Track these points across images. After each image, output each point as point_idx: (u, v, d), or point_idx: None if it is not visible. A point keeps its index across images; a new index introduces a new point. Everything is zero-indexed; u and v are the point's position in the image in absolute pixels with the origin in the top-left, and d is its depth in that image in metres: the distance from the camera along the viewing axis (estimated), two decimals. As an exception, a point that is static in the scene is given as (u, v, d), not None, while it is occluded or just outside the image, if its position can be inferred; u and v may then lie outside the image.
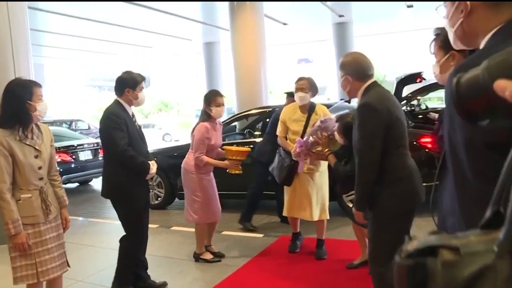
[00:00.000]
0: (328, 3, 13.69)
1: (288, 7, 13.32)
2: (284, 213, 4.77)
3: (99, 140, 10.56)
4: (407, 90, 7.21)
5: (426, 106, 9.50)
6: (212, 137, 4.59)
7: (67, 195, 3.40)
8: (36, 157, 3.04)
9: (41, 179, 3.10)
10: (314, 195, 4.51)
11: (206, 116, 4.63)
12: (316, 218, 4.53)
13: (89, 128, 19.36)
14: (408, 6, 13.94)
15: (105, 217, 7.05)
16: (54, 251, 3.15)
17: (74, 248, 5.38)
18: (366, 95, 2.75)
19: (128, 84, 3.84)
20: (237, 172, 4.55)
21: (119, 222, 3.95)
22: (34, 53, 7.06)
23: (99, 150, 9.76)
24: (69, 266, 3.31)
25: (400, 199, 2.69)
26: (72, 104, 35.92)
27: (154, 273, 4.22)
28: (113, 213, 6.71)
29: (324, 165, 4.55)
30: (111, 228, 6.36)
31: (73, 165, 9.30)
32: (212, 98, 4.62)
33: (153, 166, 3.90)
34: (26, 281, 3.04)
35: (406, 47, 29.37)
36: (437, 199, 1.98)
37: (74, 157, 9.39)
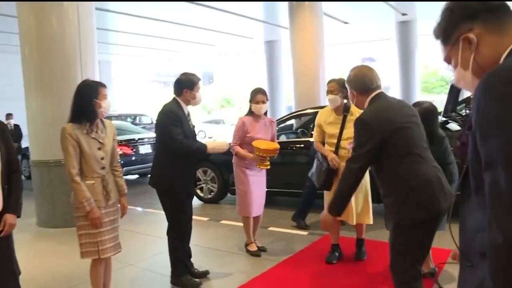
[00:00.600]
0: (392, 1, 13.45)
1: (349, 5, 13.23)
2: None
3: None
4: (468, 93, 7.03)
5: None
6: (251, 130, 4.78)
7: (127, 186, 3.70)
8: (99, 149, 3.42)
9: (103, 168, 3.46)
10: (354, 198, 4.32)
11: (249, 111, 4.88)
12: (355, 222, 4.47)
13: (152, 122, 20.08)
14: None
15: (161, 208, 7.34)
16: (111, 233, 3.51)
17: (129, 235, 5.75)
18: (365, 109, 2.86)
19: (186, 85, 4.11)
20: (262, 167, 4.73)
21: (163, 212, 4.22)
22: (101, 51, 7.53)
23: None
24: (120, 248, 3.62)
25: (412, 208, 2.64)
26: (137, 99, 37.24)
27: (200, 263, 4.45)
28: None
29: None
30: (165, 219, 6.66)
31: (133, 158, 9.78)
32: (253, 95, 4.85)
33: (213, 142, 4.26)
34: (90, 256, 3.45)
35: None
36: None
37: (134, 150, 9.88)
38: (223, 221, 6.49)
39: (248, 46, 21.17)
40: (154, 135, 11.04)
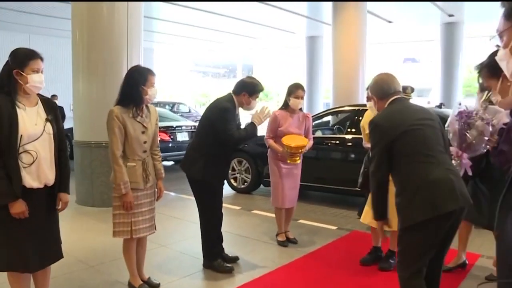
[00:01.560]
0: (439, 2, 13.20)
1: (394, 4, 13.06)
2: (362, 219, 4.49)
3: (196, 124, 11.26)
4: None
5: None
6: (283, 124, 4.86)
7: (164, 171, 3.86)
8: (143, 132, 3.57)
9: (144, 151, 3.62)
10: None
11: (284, 105, 4.95)
12: (393, 228, 4.40)
13: (189, 111, 20.46)
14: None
15: (190, 195, 7.56)
16: (146, 214, 3.68)
17: (163, 218, 5.94)
18: (379, 112, 3.01)
19: (247, 89, 4.21)
20: (291, 162, 4.85)
21: None
22: (145, 38, 7.73)
23: (196, 132, 10.40)
24: (155, 229, 3.80)
25: (417, 208, 2.65)
26: (176, 87, 37.75)
27: (229, 249, 4.58)
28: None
29: None
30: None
31: (170, 145, 10.02)
32: (293, 90, 4.91)
33: (256, 116, 4.26)
34: (122, 236, 3.61)
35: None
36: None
37: (172, 137, 10.12)
38: (254, 211, 6.60)
39: (290, 40, 21.16)
40: (191, 123, 11.36)
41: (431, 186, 2.65)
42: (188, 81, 43.01)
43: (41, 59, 2.94)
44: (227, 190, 7.87)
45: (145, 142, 3.60)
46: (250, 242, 5.17)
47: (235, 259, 4.46)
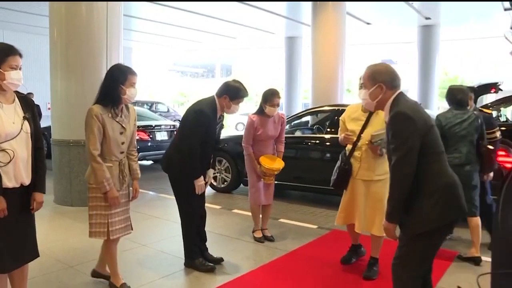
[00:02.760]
0: (415, 3, 13.40)
1: (372, 6, 13.21)
2: (336, 221, 4.33)
3: (176, 123, 11.23)
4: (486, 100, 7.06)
5: (507, 118, 9.16)
6: (260, 129, 4.91)
7: (141, 171, 3.84)
8: (121, 133, 3.51)
9: (122, 152, 3.57)
10: (362, 205, 4.06)
11: (260, 111, 4.99)
12: (359, 230, 4.14)
13: (168, 111, 20.37)
14: (506, 9, 12.74)
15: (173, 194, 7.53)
16: (121, 215, 3.63)
17: (142, 217, 5.90)
18: (397, 105, 2.65)
19: (229, 92, 4.19)
20: (266, 181, 4.99)
21: None
22: (124, 37, 7.65)
23: (174, 132, 10.37)
24: (132, 229, 3.74)
25: (442, 210, 2.53)
26: (154, 87, 37.53)
27: (211, 248, 4.56)
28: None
29: (387, 173, 3.96)
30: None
31: (149, 144, 9.97)
32: (269, 97, 4.93)
33: (207, 177, 4.32)
34: (98, 237, 3.55)
35: (498, 53, 27.78)
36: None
37: (151, 136, 10.07)
38: (235, 210, 6.60)
39: (269, 41, 21.21)
40: (170, 122, 11.30)
41: (453, 186, 2.60)
42: (166, 81, 42.78)
43: (20, 55, 2.87)
44: (207, 189, 7.85)
45: (123, 143, 3.54)
46: (231, 241, 5.17)
47: (219, 260, 4.43)
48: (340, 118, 4.38)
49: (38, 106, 10.98)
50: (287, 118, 6.19)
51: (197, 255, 4.30)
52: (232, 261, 4.50)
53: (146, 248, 4.85)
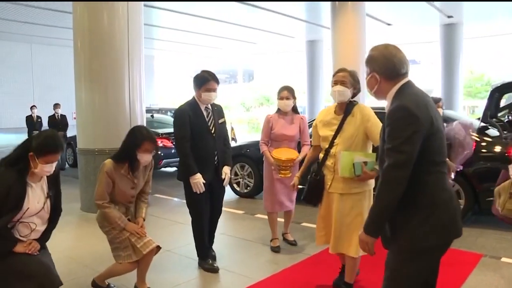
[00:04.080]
0: (436, 3, 13.27)
1: (393, 7, 13.13)
2: (317, 242, 3.91)
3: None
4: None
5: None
6: (276, 126, 4.92)
7: (165, 178, 3.94)
8: (132, 188, 3.71)
9: (130, 202, 3.78)
10: (338, 222, 3.52)
11: (277, 109, 5.02)
12: (332, 251, 3.63)
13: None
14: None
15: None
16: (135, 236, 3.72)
17: (167, 224, 6.00)
18: (400, 97, 2.23)
19: (195, 83, 4.35)
20: (281, 176, 4.80)
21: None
22: (146, 46, 7.81)
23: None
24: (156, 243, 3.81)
25: (430, 230, 2.16)
26: (177, 94, 37.91)
27: (234, 253, 4.64)
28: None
29: (368, 185, 3.54)
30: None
31: (173, 151, 10.05)
32: (279, 92, 4.97)
33: (223, 174, 4.41)
34: (128, 260, 3.67)
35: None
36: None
37: (174, 143, 10.17)
38: (257, 215, 6.65)
39: (290, 45, 21.25)
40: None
41: (451, 202, 2.24)
42: (189, 87, 43.07)
43: (59, 152, 3.01)
44: (230, 194, 7.94)
45: (132, 197, 3.75)
46: (253, 245, 5.22)
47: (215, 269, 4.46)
48: (313, 124, 3.89)
49: (64, 116, 11.37)
50: (309, 122, 6.19)
51: (206, 257, 4.47)
52: (254, 265, 4.56)
53: (170, 253, 4.95)
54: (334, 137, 3.52)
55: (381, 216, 2.20)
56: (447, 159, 4.20)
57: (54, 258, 3.23)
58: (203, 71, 4.43)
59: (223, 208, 4.75)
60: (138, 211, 3.85)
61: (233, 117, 26.70)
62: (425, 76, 32.64)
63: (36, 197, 2.99)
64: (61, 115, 11.37)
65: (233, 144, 8.86)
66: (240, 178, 8.06)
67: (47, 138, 2.96)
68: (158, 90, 24.20)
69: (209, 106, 4.41)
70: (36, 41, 18.31)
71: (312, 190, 3.68)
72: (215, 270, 4.38)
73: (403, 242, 2.21)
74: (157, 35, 17.84)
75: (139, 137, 3.62)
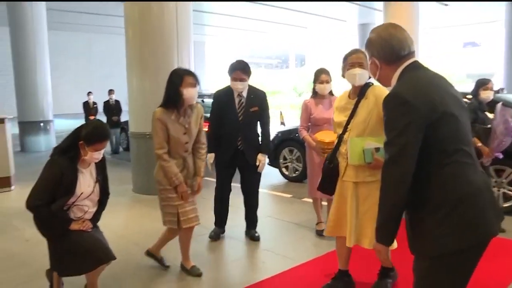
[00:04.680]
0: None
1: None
2: (325, 232, 3.74)
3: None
4: None
5: None
6: (314, 111, 4.85)
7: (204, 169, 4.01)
8: (184, 133, 3.74)
9: (186, 151, 3.80)
10: (353, 213, 3.27)
11: (314, 93, 4.95)
12: (350, 244, 3.32)
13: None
14: None
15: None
16: (191, 205, 3.84)
17: (210, 207, 6.11)
18: (397, 83, 2.04)
19: (228, 72, 4.59)
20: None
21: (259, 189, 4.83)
22: (196, 32, 7.91)
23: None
24: (199, 221, 3.93)
25: (460, 229, 1.85)
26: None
27: (280, 235, 4.67)
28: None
29: None
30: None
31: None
32: (317, 75, 4.86)
33: (257, 161, 4.70)
34: (171, 225, 3.82)
35: None
36: None
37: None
38: (305, 199, 6.64)
39: (341, 28, 20.90)
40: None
41: (473, 198, 1.88)
42: (241, 73, 43.30)
43: (106, 140, 3.17)
44: (279, 178, 7.97)
45: (186, 143, 3.77)
46: (299, 229, 5.24)
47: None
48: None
49: (118, 101, 11.72)
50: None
51: (221, 225, 4.93)
52: (299, 248, 4.59)
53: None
54: (347, 122, 3.28)
55: (388, 220, 1.95)
56: (479, 144, 3.93)
57: (106, 236, 3.40)
58: (235, 61, 4.62)
59: (271, 192, 4.82)
60: (197, 170, 3.93)
61: (285, 102, 26.60)
62: (486, 59, 31.26)
63: (86, 182, 3.18)
64: (115, 100, 11.74)
65: (282, 128, 8.89)
66: (289, 162, 8.06)
67: (95, 128, 3.14)
68: (210, 76, 24.43)
69: (243, 94, 4.56)
70: (93, 31, 18.98)
71: (326, 179, 3.47)
72: (212, 238, 4.80)
73: (421, 247, 1.95)
74: (208, 21, 18.01)
75: (178, 73, 3.73)
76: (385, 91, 3.06)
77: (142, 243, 4.70)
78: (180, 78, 3.65)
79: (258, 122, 4.76)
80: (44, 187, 3.04)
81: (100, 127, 3.17)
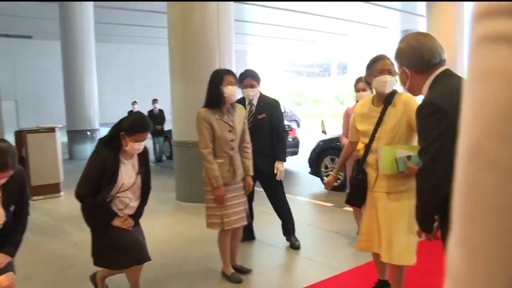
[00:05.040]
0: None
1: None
2: (356, 246, 3.45)
3: (290, 123, 11.47)
4: None
5: None
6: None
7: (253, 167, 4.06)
8: (229, 131, 3.80)
9: (232, 149, 3.85)
10: (385, 226, 3.07)
11: (355, 100, 4.92)
12: (387, 259, 3.11)
13: (284, 111, 20.71)
14: None
15: (288, 192, 7.45)
16: (236, 207, 3.89)
17: (256, 214, 6.12)
18: (430, 91, 2.05)
19: (239, 81, 4.56)
20: None
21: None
22: (238, 41, 8.03)
23: (289, 132, 10.63)
24: (247, 221, 4.02)
25: None
26: (271, 88, 38.38)
27: (320, 244, 4.67)
28: (296, 189, 7.44)
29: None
30: (291, 202, 6.94)
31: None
32: (355, 84, 4.84)
33: (275, 169, 4.64)
34: (214, 227, 3.89)
35: None
36: None
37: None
38: (346, 208, 6.59)
39: (383, 35, 20.68)
40: (286, 122, 11.50)
41: None
42: (283, 81, 43.50)
43: (146, 131, 3.28)
44: (320, 187, 7.96)
45: (232, 140, 3.82)
46: (340, 238, 5.21)
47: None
48: (351, 119, 3.50)
49: (162, 111, 11.99)
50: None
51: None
52: (339, 256, 4.57)
53: (256, 241, 5.11)
54: (375, 130, 3.12)
55: (423, 217, 2.06)
56: None
57: (149, 241, 3.50)
58: (244, 70, 4.74)
59: (312, 201, 4.83)
60: (245, 169, 4.00)
61: (326, 110, 26.49)
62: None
63: (128, 173, 3.30)
64: (159, 109, 12.02)
65: (323, 137, 8.88)
66: (330, 171, 8.03)
67: (135, 119, 3.29)
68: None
69: (254, 102, 4.64)
70: (137, 41, 19.52)
71: (355, 191, 3.31)
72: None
73: None
74: (249, 31, 18.20)
75: (219, 73, 3.85)
76: (412, 98, 3.04)
77: (183, 248, 4.81)
78: (220, 77, 3.77)
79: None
80: (89, 176, 3.22)
81: (140, 119, 3.32)
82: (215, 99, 3.76)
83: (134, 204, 3.39)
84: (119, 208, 3.30)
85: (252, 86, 4.57)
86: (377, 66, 3.16)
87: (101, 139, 3.35)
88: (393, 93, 3.16)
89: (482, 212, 0.42)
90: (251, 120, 4.62)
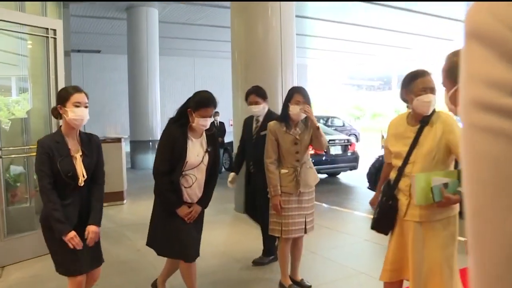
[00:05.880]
0: None
1: None
2: (381, 277, 3.07)
3: (349, 137, 11.38)
4: None
5: None
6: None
7: (316, 184, 4.11)
8: (295, 144, 3.91)
9: (297, 161, 3.93)
10: (418, 257, 2.74)
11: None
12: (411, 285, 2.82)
13: (343, 125, 20.59)
14: None
15: (346, 207, 7.67)
16: (296, 218, 3.95)
17: (315, 227, 6.15)
18: None
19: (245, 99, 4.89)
20: None
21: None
22: (299, 55, 8.10)
23: (349, 146, 10.55)
24: (305, 232, 4.05)
25: None
26: (330, 101, 38.06)
27: (376, 258, 4.55)
28: (354, 204, 7.38)
29: (453, 209, 2.77)
30: (349, 217, 6.97)
31: (324, 158, 10.23)
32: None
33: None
34: (274, 234, 4.01)
35: None
36: None
37: (325, 150, 10.33)
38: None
39: (447, 48, 20.11)
40: (344, 137, 11.48)
41: None
42: (342, 95, 43.07)
43: (214, 107, 3.45)
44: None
45: (297, 152, 3.90)
46: (375, 246, 5.10)
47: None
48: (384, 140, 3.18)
49: (222, 123, 12.20)
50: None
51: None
52: (370, 265, 4.43)
53: (315, 255, 5.09)
54: (409, 153, 2.81)
55: None
56: None
57: (209, 251, 3.62)
58: (250, 87, 4.93)
59: (370, 216, 4.73)
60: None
61: (386, 124, 25.97)
62: None
63: (195, 151, 3.43)
64: (219, 122, 12.25)
65: (383, 152, 8.73)
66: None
67: (200, 96, 3.46)
68: (312, 98, 24.77)
69: (260, 118, 4.76)
70: (198, 55, 20.05)
71: (383, 218, 2.94)
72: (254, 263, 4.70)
73: None
74: (310, 44, 18.26)
75: (291, 90, 4.03)
76: (452, 117, 2.79)
77: (242, 259, 4.88)
78: (290, 95, 3.92)
79: None
80: (161, 154, 3.39)
81: (205, 95, 3.47)
82: (283, 114, 3.93)
83: (201, 181, 3.49)
84: (187, 185, 3.40)
85: (256, 103, 4.68)
86: (418, 83, 2.84)
87: (171, 119, 3.50)
88: (432, 111, 2.85)
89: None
90: (255, 137, 4.74)
